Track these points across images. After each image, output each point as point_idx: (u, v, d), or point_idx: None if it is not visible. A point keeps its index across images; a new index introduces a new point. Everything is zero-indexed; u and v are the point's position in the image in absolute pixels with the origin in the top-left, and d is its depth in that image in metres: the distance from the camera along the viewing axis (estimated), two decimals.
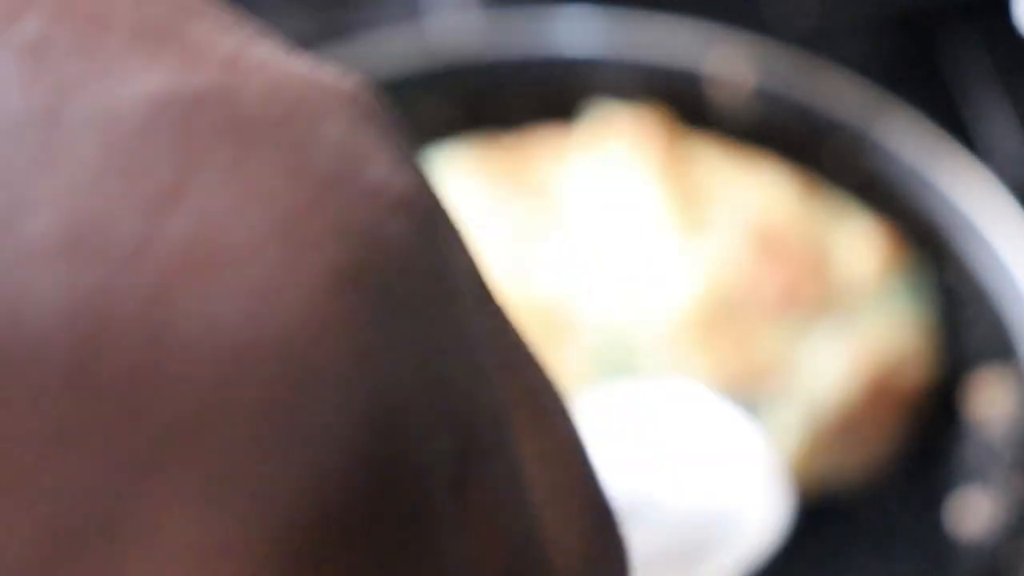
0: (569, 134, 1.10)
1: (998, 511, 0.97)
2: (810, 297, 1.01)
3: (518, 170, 1.08)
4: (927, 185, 1.05)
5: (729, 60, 1.10)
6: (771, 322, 1.00)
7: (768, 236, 1.03)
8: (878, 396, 1.00)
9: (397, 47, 1.15)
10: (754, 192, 1.06)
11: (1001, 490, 0.97)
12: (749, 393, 0.99)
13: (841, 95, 1.09)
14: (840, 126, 1.09)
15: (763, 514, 0.90)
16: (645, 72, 1.13)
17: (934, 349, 1.03)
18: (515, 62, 1.15)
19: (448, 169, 1.10)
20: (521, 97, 1.16)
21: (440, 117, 1.14)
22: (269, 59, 0.23)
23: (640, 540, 0.85)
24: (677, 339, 0.99)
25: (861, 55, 1.38)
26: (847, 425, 1.00)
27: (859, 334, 1.00)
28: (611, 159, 1.07)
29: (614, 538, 0.27)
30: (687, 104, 1.13)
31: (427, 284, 0.22)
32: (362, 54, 1.15)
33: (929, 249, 1.05)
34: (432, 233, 0.23)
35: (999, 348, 1.02)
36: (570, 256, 1.03)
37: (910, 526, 1.03)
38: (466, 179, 1.09)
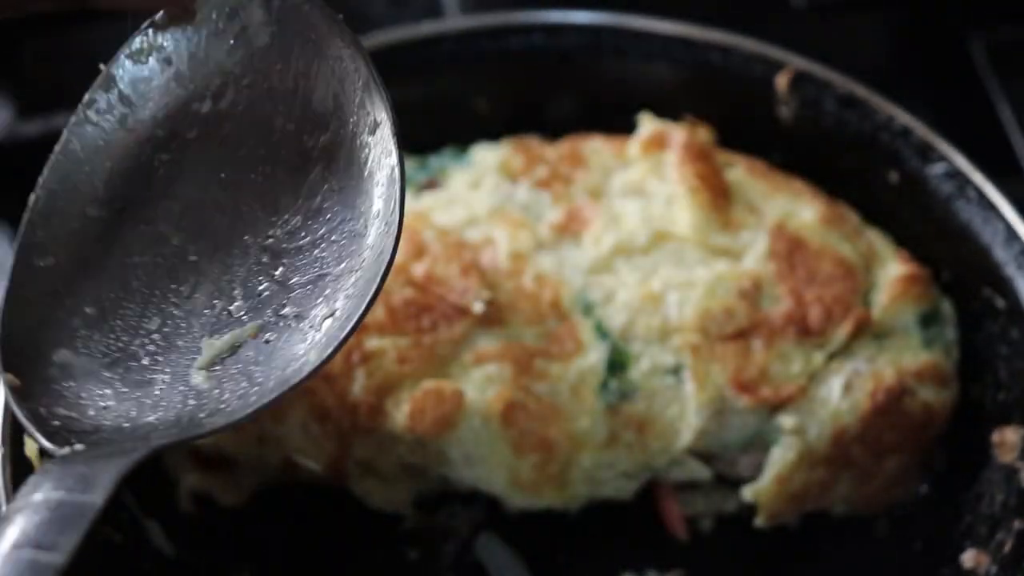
0: (618, 144, 1.10)
1: (1015, 552, 0.96)
2: (839, 323, 1.00)
3: (565, 172, 1.09)
4: (986, 218, 1.04)
5: (790, 85, 1.10)
6: (795, 342, 1.00)
7: (802, 260, 1.03)
8: (894, 426, 0.99)
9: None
10: (796, 218, 1.06)
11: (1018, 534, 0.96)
12: (763, 406, 0.98)
13: (900, 127, 1.08)
14: (897, 158, 1.08)
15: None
16: (700, 81, 1.13)
17: (958, 386, 1.02)
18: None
19: (494, 166, 1.09)
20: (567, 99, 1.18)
21: (493, 115, 1.16)
22: None
23: None
24: (695, 347, 0.99)
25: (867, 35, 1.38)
26: (856, 450, 0.99)
27: (883, 364, 1.00)
28: (655, 172, 1.07)
29: None
30: (745, 122, 1.13)
31: None
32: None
33: (981, 281, 1.04)
34: None
35: None
36: (601, 258, 1.04)
37: (925, 557, 1.02)
38: (509, 175, 1.09)
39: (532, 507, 0.99)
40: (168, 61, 0.82)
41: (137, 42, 0.82)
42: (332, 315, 0.75)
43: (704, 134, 1.10)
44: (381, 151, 0.78)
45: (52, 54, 1.42)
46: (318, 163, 0.80)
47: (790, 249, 1.03)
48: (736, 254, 1.04)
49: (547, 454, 0.97)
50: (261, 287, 0.78)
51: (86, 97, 0.82)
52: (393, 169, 0.77)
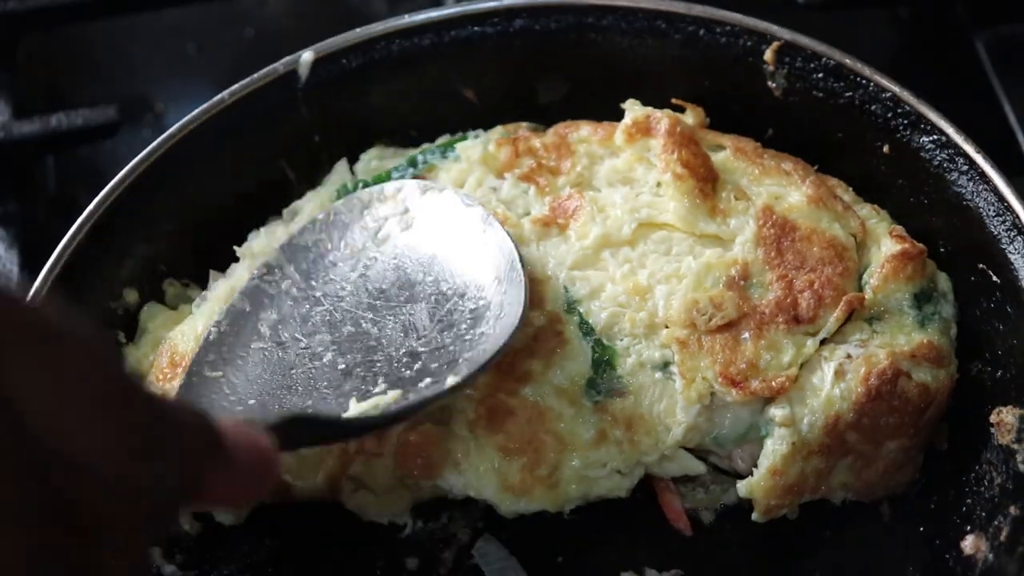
0: (606, 130, 1.09)
1: (1011, 539, 0.93)
2: (831, 308, 0.98)
3: (551, 164, 1.08)
4: (977, 189, 1.01)
5: (777, 57, 1.08)
6: (785, 331, 0.98)
7: (791, 244, 1.01)
8: (890, 409, 0.97)
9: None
10: (785, 200, 1.04)
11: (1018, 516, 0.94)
12: (754, 399, 0.97)
13: (889, 97, 1.06)
14: (888, 128, 1.06)
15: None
16: (688, 57, 1.11)
17: (956, 365, 1.00)
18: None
19: (478, 160, 1.09)
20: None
21: (482, 103, 1.15)
22: None
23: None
24: (682, 341, 0.98)
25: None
26: (852, 437, 0.97)
27: (876, 347, 0.98)
28: (641, 159, 1.06)
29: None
30: (735, 97, 1.11)
31: None
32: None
33: (977, 255, 1.02)
34: None
35: None
36: (586, 252, 1.03)
37: (928, 541, 1.00)
38: (494, 170, 1.08)
39: (524, 511, 0.98)
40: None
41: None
42: (458, 376, 0.91)
43: (692, 117, 1.08)
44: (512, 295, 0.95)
45: (47, 53, 1.43)
46: (453, 298, 0.98)
47: (779, 234, 1.01)
48: (724, 241, 1.02)
49: (535, 456, 0.97)
50: (402, 373, 0.95)
51: (259, 266, 1.02)
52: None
